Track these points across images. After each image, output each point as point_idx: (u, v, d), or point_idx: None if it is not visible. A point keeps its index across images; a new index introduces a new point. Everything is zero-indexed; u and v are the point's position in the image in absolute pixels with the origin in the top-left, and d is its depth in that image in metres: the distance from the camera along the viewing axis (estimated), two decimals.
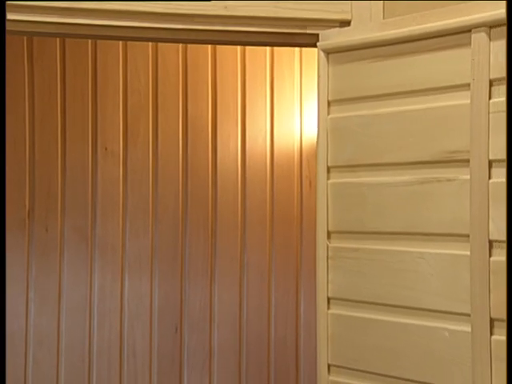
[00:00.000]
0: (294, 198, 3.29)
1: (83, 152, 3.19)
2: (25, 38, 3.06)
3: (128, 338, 3.22)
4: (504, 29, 1.45)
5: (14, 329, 3.16)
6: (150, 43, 3.10)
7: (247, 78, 3.22)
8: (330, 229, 1.75)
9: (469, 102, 1.49)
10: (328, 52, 1.73)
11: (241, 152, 3.25)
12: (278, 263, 3.30)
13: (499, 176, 1.46)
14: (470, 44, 1.49)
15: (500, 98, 1.46)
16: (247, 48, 3.14)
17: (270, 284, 3.31)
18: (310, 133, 3.17)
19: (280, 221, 3.29)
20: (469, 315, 1.50)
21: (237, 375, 3.29)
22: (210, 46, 3.13)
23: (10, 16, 1.73)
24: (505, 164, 1.45)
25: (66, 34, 2.00)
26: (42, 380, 3.17)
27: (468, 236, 1.50)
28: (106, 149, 3.20)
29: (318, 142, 1.76)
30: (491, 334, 1.47)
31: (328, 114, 1.73)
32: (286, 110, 3.26)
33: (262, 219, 3.28)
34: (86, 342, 3.18)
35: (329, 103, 1.73)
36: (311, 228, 3.03)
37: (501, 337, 1.46)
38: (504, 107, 1.44)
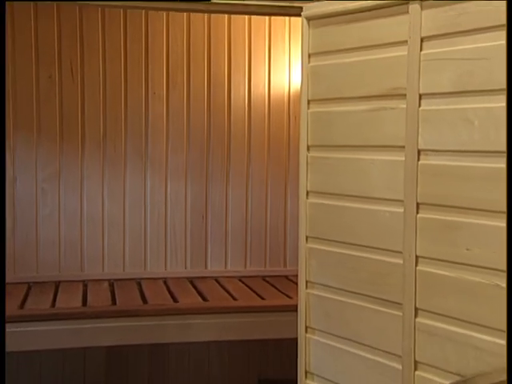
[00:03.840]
0: (284, 127, 3.29)
1: (139, 95, 3.17)
2: (99, 11, 3.05)
3: (170, 222, 3.24)
4: (431, 2, 1.43)
5: (94, 216, 3.18)
6: (185, 15, 3.08)
7: (252, 41, 3.19)
8: (309, 144, 1.74)
9: (406, 53, 1.48)
10: (309, 19, 1.70)
11: (247, 95, 3.24)
12: (273, 172, 3.31)
13: (426, 105, 1.45)
14: (408, 12, 1.46)
15: (428, 51, 1.44)
16: (252, 18, 3.12)
17: (267, 187, 3.32)
18: (296, 81, 3.15)
19: (274, 143, 3.29)
20: (402, 201, 1.51)
21: (243, 249, 3.32)
22: (226, 17, 3.11)
23: None
24: (431, 96, 1.44)
25: None
26: (113, 249, 3.20)
27: (403, 147, 1.50)
28: (154, 93, 3.18)
29: (301, 83, 1.74)
30: (417, 213, 1.48)
31: (308, 63, 1.71)
32: (279, 64, 3.24)
33: (261, 141, 3.28)
34: (142, 224, 3.21)
35: (309, 55, 1.71)
36: (295, 147, 3.03)
37: (423, 215, 1.47)
38: (432, 57, 1.43)
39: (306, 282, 1.76)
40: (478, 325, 1.36)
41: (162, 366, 3.16)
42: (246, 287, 3.09)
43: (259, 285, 3.13)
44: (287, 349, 2.93)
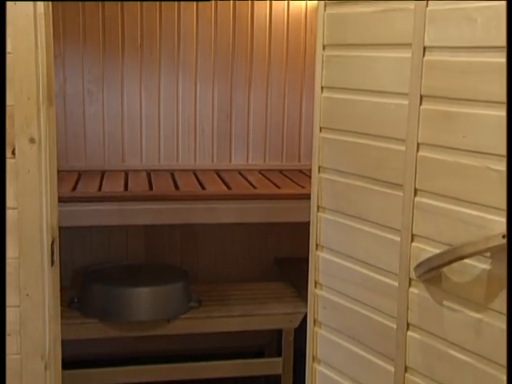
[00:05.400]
0: (301, 39, 3.21)
1: (171, 6, 3.11)
2: None
3: (199, 121, 3.22)
4: None
5: (134, 113, 3.17)
6: None
7: None
8: (324, 43, 1.68)
9: None
10: None
11: (269, 13, 3.16)
12: (290, 78, 3.26)
13: (433, 5, 1.38)
14: None
15: None
16: None
17: (285, 91, 3.27)
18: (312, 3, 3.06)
19: (292, 53, 3.23)
20: (407, 94, 1.46)
21: (263, 145, 3.31)
22: None
23: None
24: None
25: None
26: (150, 144, 3.22)
27: (410, 44, 1.44)
28: (185, 5, 3.11)
29: None
30: (420, 104, 1.43)
31: None
32: None
33: (280, 53, 3.22)
34: (175, 122, 3.20)
35: None
36: (311, 57, 2.98)
37: (425, 106, 1.41)
38: None
39: (319, 167, 1.74)
40: (469, 202, 1.34)
41: (191, 243, 3.22)
42: (264, 178, 3.10)
43: (276, 176, 3.14)
44: (299, 231, 2.96)
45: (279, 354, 2.83)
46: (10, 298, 1.62)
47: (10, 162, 1.58)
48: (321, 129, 1.73)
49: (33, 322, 1.63)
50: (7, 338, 1.62)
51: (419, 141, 1.44)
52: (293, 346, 2.78)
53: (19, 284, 1.61)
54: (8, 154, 1.57)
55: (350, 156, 1.63)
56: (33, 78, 1.56)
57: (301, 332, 2.51)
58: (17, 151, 1.57)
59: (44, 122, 1.59)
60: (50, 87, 1.64)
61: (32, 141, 1.57)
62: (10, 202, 1.59)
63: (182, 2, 3.03)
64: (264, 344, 3.12)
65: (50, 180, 1.63)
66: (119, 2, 3.00)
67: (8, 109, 1.56)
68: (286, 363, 2.79)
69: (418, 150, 1.45)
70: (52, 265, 1.64)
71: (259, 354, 3.04)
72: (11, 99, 1.56)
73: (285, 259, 3.23)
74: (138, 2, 3.01)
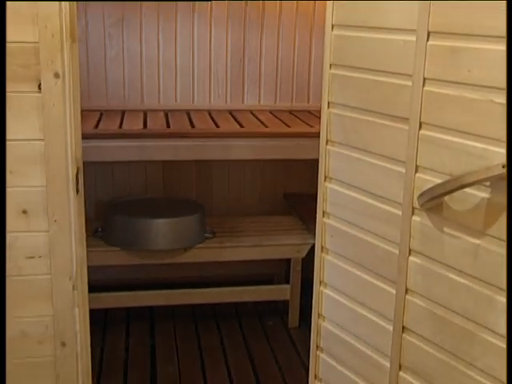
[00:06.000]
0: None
1: None
2: None
3: (213, 63, 3.18)
4: None
5: (152, 58, 3.13)
6: None
7: None
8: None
9: None
10: None
11: None
12: (300, 22, 3.19)
13: None
14: None
15: None
16: None
17: (295, 37, 3.21)
18: None
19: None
20: (415, 30, 1.40)
21: (274, 87, 3.26)
22: None
23: None
24: None
25: None
26: (167, 85, 3.19)
27: None
28: None
29: None
30: (427, 40, 1.37)
31: None
32: None
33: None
34: (191, 65, 3.15)
35: None
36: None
37: (432, 42, 1.37)
38: None
39: (328, 102, 1.71)
40: (472, 134, 1.31)
41: (206, 178, 3.23)
42: (275, 118, 3.07)
43: (286, 116, 3.11)
44: (308, 168, 2.96)
45: (287, 282, 2.87)
46: (40, 224, 1.64)
47: (36, 97, 1.57)
48: (330, 65, 1.68)
49: (60, 245, 1.64)
50: (38, 259, 1.65)
51: (425, 76, 1.40)
52: (300, 275, 2.81)
53: (47, 211, 1.62)
54: (34, 88, 1.56)
55: (358, 91, 1.60)
56: (56, 15, 1.53)
57: (307, 262, 2.53)
58: (42, 86, 1.56)
59: (68, 58, 1.57)
60: (73, 24, 1.60)
61: (56, 76, 1.56)
62: (36, 134, 1.59)
63: None
64: (273, 272, 3.16)
65: (74, 113, 1.62)
66: None
67: (33, 45, 1.55)
68: (293, 290, 2.83)
69: (424, 85, 1.41)
70: (77, 193, 1.64)
71: (269, 282, 3.08)
72: (36, 36, 1.54)
73: (293, 194, 3.23)
74: None
